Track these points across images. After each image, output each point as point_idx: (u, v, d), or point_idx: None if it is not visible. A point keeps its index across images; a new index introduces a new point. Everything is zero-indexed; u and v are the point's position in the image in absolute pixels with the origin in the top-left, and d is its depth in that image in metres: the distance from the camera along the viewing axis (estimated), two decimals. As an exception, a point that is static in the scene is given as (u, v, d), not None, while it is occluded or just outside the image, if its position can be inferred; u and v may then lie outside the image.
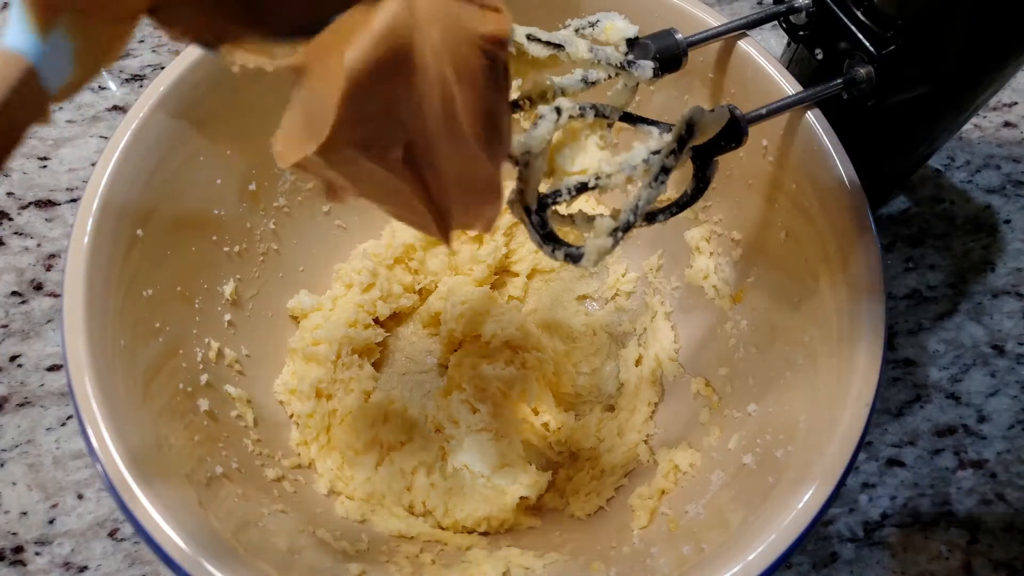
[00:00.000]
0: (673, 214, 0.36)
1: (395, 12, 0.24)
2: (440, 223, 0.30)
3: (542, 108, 0.32)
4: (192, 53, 0.43)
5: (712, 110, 0.35)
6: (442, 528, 0.47)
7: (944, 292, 0.58)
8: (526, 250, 0.58)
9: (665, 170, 0.32)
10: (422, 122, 0.26)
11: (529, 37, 0.35)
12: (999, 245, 0.60)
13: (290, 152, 0.27)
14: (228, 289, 0.48)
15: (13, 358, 0.53)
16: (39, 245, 0.57)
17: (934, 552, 0.49)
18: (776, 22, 0.44)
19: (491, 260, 0.56)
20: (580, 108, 0.34)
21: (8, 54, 0.21)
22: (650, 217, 0.36)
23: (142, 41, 0.67)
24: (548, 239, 0.32)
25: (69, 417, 0.51)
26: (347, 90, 0.24)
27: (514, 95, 0.37)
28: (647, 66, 0.36)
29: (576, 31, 0.37)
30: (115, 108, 0.64)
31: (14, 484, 0.49)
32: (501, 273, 0.58)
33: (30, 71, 0.21)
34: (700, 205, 0.51)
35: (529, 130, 0.32)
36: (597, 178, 0.33)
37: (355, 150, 0.26)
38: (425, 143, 0.27)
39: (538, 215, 0.32)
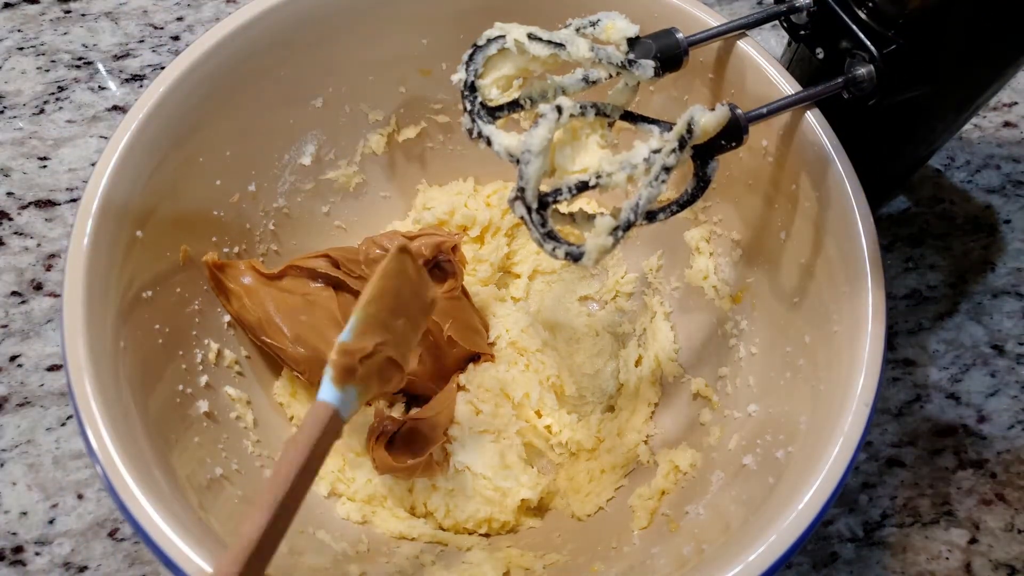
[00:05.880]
0: (674, 213, 0.36)
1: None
2: None
3: (543, 107, 0.32)
4: (192, 54, 0.43)
5: (713, 109, 0.35)
6: (443, 529, 0.47)
7: (944, 292, 0.58)
8: (527, 251, 0.58)
9: (666, 169, 0.32)
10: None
11: (530, 36, 0.35)
12: (999, 245, 0.60)
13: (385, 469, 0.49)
14: (228, 289, 0.48)
15: (13, 358, 0.53)
16: (39, 245, 0.57)
17: (934, 552, 0.49)
18: (776, 22, 0.44)
19: (494, 259, 0.56)
20: (581, 107, 0.34)
21: (324, 404, 0.33)
22: (651, 216, 0.36)
23: (142, 41, 0.67)
24: (548, 238, 0.32)
25: (69, 417, 0.51)
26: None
27: (515, 94, 0.37)
28: (648, 65, 0.36)
29: (577, 30, 0.37)
30: (115, 108, 0.64)
31: (14, 484, 0.49)
32: (502, 274, 0.58)
33: (335, 413, 0.33)
34: (700, 205, 0.51)
35: (530, 129, 0.32)
36: (598, 177, 0.33)
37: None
38: None
39: (539, 214, 0.32)
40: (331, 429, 0.33)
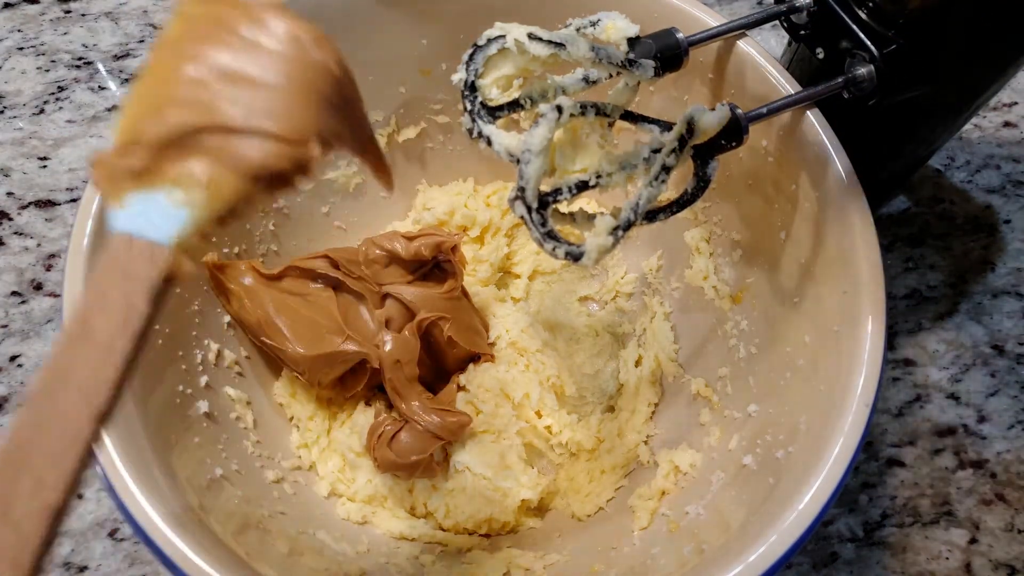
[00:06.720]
0: (674, 212, 0.36)
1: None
2: None
3: (543, 107, 0.32)
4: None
5: (713, 109, 0.35)
6: (443, 529, 0.47)
7: (944, 292, 0.58)
8: (527, 251, 0.58)
9: (666, 169, 0.32)
10: None
11: (530, 36, 0.35)
12: (999, 245, 0.60)
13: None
14: (228, 289, 0.47)
15: (13, 358, 0.53)
16: (39, 245, 0.57)
17: (934, 552, 0.49)
18: (776, 22, 0.44)
19: (493, 259, 0.55)
20: (581, 107, 0.34)
21: (109, 236, 0.24)
22: (651, 216, 0.36)
23: (142, 41, 0.67)
24: (548, 237, 0.32)
25: (68, 418, 0.51)
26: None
27: (515, 94, 0.37)
28: (648, 65, 0.36)
29: (577, 30, 0.37)
30: (115, 108, 0.64)
31: (13, 485, 0.49)
32: (503, 274, 0.58)
33: (125, 239, 0.23)
34: (700, 205, 0.51)
35: (530, 129, 0.32)
36: (598, 176, 0.33)
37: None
38: None
39: (539, 213, 0.32)
40: (128, 256, 0.23)
